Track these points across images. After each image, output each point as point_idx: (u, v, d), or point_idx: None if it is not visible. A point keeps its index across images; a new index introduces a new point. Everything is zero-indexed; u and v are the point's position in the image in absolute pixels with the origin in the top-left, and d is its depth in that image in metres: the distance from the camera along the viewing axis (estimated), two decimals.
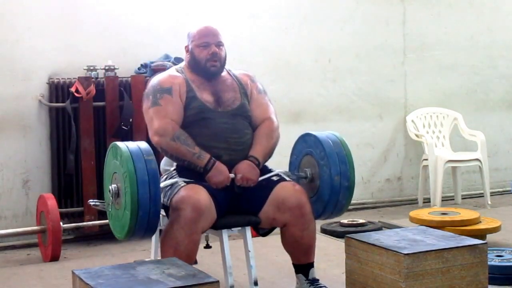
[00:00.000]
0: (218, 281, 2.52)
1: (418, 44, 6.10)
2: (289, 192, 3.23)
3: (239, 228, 3.24)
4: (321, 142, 3.36)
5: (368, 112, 5.95)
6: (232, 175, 3.23)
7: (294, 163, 3.53)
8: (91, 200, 3.49)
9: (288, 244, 3.30)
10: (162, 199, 3.20)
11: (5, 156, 4.81)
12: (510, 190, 6.11)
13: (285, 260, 3.43)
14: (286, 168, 3.54)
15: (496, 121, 6.42)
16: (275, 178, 3.33)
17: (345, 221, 4.86)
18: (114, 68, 4.85)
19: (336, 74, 5.81)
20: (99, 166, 4.65)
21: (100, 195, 4.56)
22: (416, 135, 5.91)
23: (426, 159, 5.74)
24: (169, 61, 4.92)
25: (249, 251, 3.22)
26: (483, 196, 5.86)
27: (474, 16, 6.32)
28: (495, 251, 3.75)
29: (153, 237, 3.61)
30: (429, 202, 5.74)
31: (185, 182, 3.17)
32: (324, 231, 4.84)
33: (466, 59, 6.30)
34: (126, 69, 4.95)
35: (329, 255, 4.14)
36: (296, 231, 3.23)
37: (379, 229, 4.69)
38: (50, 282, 3.86)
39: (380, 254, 3.02)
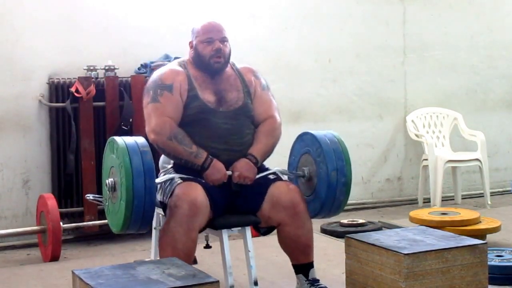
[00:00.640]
0: (218, 281, 2.52)
1: (418, 44, 6.10)
2: (283, 191, 3.24)
3: (239, 228, 3.24)
4: (318, 139, 3.36)
5: (368, 112, 5.95)
6: (229, 173, 3.23)
7: (293, 164, 3.52)
8: (89, 195, 3.49)
9: (285, 244, 3.30)
10: (159, 196, 3.21)
11: (5, 156, 4.81)
12: (510, 190, 6.11)
13: (285, 260, 3.42)
14: (286, 168, 3.53)
15: (496, 121, 6.42)
16: (272, 177, 3.33)
17: (345, 221, 4.86)
18: (114, 68, 4.85)
19: (336, 74, 5.81)
20: (99, 166, 4.60)
21: (100, 195, 4.55)
22: (416, 135, 5.91)
23: (426, 159, 5.74)
24: (169, 61, 4.91)
25: (249, 251, 3.22)
26: (483, 196, 5.85)
27: (474, 16, 6.32)
28: (495, 251, 3.75)
29: (153, 237, 3.62)
30: (429, 202, 5.73)
31: (181, 179, 3.17)
32: (324, 231, 4.84)
33: (466, 59, 6.30)
34: (126, 69, 4.95)
35: (329, 255, 4.13)
36: (291, 230, 3.23)
37: (379, 229, 4.69)
38: (50, 282, 3.85)
39: (380, 254, 3.02)
